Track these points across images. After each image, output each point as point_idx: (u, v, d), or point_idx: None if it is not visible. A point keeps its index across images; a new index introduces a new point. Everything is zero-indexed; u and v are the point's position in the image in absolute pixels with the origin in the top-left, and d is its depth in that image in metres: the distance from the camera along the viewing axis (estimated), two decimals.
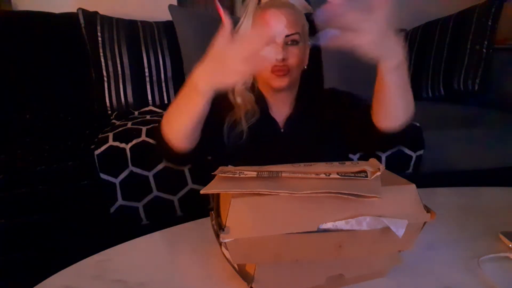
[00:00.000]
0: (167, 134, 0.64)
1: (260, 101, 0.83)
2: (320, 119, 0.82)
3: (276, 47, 0.75)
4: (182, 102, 0.61)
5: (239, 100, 0.81)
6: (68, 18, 1.62)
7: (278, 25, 0.76)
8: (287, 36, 0.76)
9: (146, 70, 1.62)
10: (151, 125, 1.22)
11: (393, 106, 0.61)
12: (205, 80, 0.55)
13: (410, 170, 1.36)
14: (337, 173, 0.47)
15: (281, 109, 0.84)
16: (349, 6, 0.46)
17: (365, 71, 1.93)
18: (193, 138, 0.65)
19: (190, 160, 0.77)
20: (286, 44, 0.76)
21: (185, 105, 0.60)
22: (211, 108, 0.61)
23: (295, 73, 0.79)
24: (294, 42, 0.77)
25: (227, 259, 0.50)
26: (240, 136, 0.78)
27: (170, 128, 0.64)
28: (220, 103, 0.80)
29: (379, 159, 1.28)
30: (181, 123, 0.62)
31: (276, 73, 0.76)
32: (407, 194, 0.47)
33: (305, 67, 0.83)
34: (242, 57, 0.51)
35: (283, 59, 0.75)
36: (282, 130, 0.82)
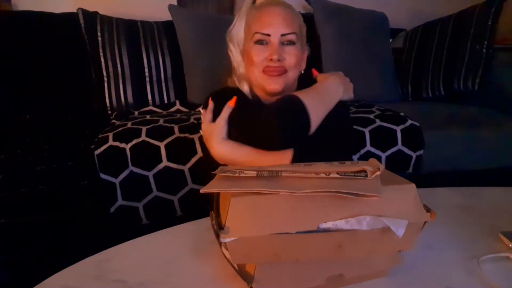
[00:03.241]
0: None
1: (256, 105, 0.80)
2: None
3: (271, 47, 0.73)
4: None
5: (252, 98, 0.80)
6: (68, 18, 1.62)
7: (274, 22, 0.73)
8: (282, 35, 0.73)
9: (146, 70, 1.62)
10: (151, 125, 1.22)
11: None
12: None
13: (410, 170, 1.36)
14: (337, 173, 0.47)
15: None
16: None
17: (365, 72, 1.92)
18: None
19: None
20: (282, 43, 0.73)
21: None
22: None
23: (291, 75, 0.76)
24: (291, 43, 0.74)
25: (227, 259, 0.50)
26: None
27: None
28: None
29: (379, 159, 1.29)
30: None
31: (269, 73, 0.73)
32: (407, 194, 0.47)
33: (302, 71, 0.80)
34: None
35: (279, 60, 0.72)
36: None
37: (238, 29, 0.79)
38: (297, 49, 0.75)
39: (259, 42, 0.74)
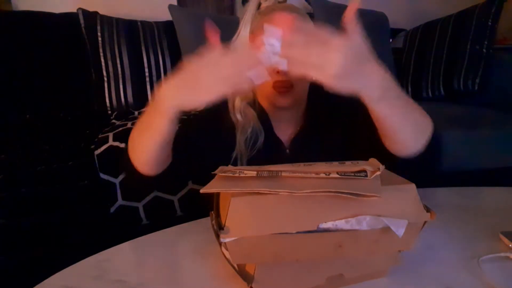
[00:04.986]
0: (132, 158, 0.59)
1: (262, 118, 0.74)
2: (329, 137, 0.73)
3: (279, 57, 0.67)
4: (145, 122, 0.56)
5: (240, 117, 0.73)
6: (68, 18, 1.62)
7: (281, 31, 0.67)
8: None
9: (146, 70, 1.62)
10: None
11: (397, 134, 0.53)
12: (172, 97, 0.49)
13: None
14: (337, 173, 0.47)
15: (286, 128, 0.75)
16: (306, 39, 0.42)
17: None
18: (159, 162, 0.60)
19: (160, 183, 0.69)
20: None
21: (148, 125, 0.55)
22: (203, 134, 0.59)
23: (300, 88, 0.70)
24: None
25: (227, 259, 0.50)
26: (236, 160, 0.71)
27: (133, 152, 0.59)
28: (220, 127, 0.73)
29: None
30: (144, 146, 0.57)
31: (279, 89, 0.67)
32: (407, 194, 0.47)
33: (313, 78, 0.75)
34: (220, 76, 0.46)
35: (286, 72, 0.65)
36: (287, 151, 0.74)
37: (242, 39, 0.72)
38: None
39: None
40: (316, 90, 0.76)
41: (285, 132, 0.75)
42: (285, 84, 0.67)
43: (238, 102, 0.74)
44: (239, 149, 0.72)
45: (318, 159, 0.69)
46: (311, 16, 1.81)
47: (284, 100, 0.69)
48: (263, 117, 0.74)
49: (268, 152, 0.73)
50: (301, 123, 0.76)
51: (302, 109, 0.76)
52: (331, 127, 0.74)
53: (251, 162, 0.71)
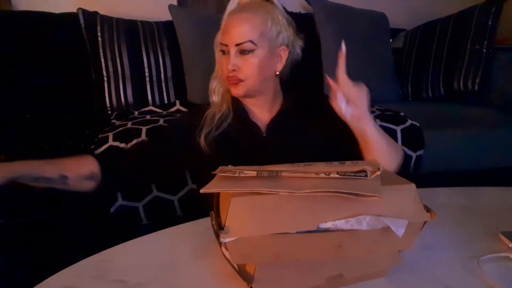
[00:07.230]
0: None
1: (238, 105, 0.82)
2: (306, 123, 0.80)
3: (229, 57, 0.74)
4: None
5: (215, 98, 0.82)
6: (68, 18, 1.62)
7: (229, 32, 0.73)
8: (237, 45, 0.73)
9: (146, 70, 1.62)
10: (151, 125, 1.22)
11: (380, 153, 0.70)
12: None
13: (410, 170, 1.36)
14: (337, 173, 0.47)
15: (261, 114, 0.82)
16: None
17: (365, 72, 1.92)
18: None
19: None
20: (240, 52, 0.73)
21: None
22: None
23: (250, 82, 0.76)
24: (247, 51, 0.73)
25: (227, 259, 0.50)
26: (215, 141, 0.78)
27: None
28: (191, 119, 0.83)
29: None
30: None
31: (229, 81, 0.76)
32: (407, 194, 0.47)
33: (278, 72, 0.80)
34: None
35: (234, 70, 0.73)
36: (264, 135, 0.80)
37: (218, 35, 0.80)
38: (256, 56, 0.74)
39: (222, 51, 0.76)
40: (286, 82, 0.86)
41: (260, 117, 0.83)
42: (233, 79, 0.75)
43: (215, 85, 0.82)
44: (206, 123, 0.79)
45: (293, 140, 0.79)
46: (311, 16, 1.81)
47: (235, 90, 0.77)
48: (238, 103, 0.82)
49: (247, 136, 0.80)
50: (276, 109, 0.83)
51: (270, 98, 0.83)
52: (306, 113, 0.82)
53: (233, 147, 0.79)
